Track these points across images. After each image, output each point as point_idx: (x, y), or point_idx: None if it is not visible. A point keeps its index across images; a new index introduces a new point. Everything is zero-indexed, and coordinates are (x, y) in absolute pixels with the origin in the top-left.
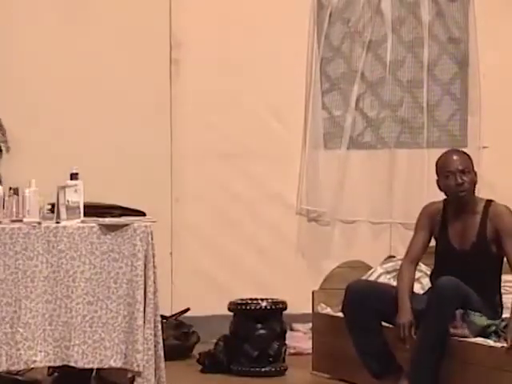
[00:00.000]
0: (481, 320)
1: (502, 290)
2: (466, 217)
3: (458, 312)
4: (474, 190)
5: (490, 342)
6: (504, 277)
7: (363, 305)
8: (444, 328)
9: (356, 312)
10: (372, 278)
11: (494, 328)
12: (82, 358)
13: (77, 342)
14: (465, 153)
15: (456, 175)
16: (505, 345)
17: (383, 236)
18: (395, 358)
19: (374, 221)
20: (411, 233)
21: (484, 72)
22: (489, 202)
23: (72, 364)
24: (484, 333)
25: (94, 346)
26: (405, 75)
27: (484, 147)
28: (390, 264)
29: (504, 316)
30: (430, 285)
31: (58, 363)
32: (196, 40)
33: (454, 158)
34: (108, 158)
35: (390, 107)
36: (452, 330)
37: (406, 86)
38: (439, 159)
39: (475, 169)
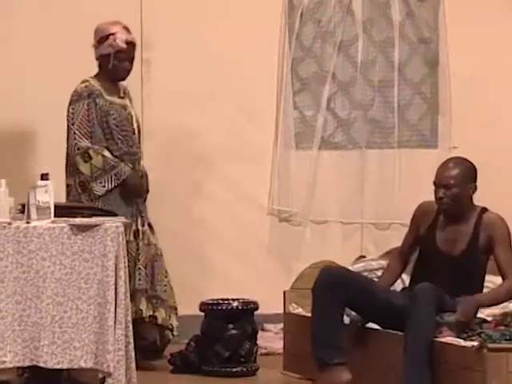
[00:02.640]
0: (451, 317)
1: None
2: (459, 223)
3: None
4: (462, 202)
5: (461, 342)
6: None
7: (332, 290)
8: (429, 338)
9: (323, 296)
10: None
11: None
12: (51, 359)
13: (46, 342)
14: (461, 163)
15: (439, 188)
16: (475, 344)
17: (354, 236)
18: (344, 350)
19: (345, 221)
20: (382, 233)
21: (454, 72)
22: (483, 209)
23: (41, 364)
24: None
25: (63, 346)
26: (376, 75)
27: (454, 147)
28: (361, 264)
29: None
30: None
31: (28, 363)
32: (167, 40)
33: (442, 170)
34: None
35: (361, 107)
36: (440, 338)
37: (377, 86)
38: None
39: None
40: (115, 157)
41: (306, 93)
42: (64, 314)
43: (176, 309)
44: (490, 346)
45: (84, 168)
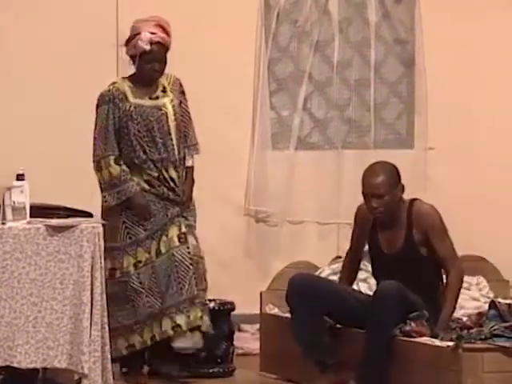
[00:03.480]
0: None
1: None
2: (394, 223)
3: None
4: (394, 206)
5: (436, 342)
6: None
7: (305, 297)
8: (389, 333)
9: (298, 304)
10: None
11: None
12: (25, 358)
13: (20, 342)
14: (384, 168)
15: (369, 198)
16: (450, 344)
17: (331, 236)
18: (336, 351)
19: (321, 221)
20: None
21: (430, 72)
22: (412, 202)
23: (15, 364)
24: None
25: (36, 346)
26: (352, 75)
27: (430, 148)
28: (337, 264)
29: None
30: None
31: (1, 364)
32: None
33: (370, 180)
34: (55, 159)
35: (338, 107)
36: (415, 336)
37: (354, 87)
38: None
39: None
40: (135, 164)
41: (283, 93)
42: (38, 313)
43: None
44: (466, 345)
45: (97, 176)
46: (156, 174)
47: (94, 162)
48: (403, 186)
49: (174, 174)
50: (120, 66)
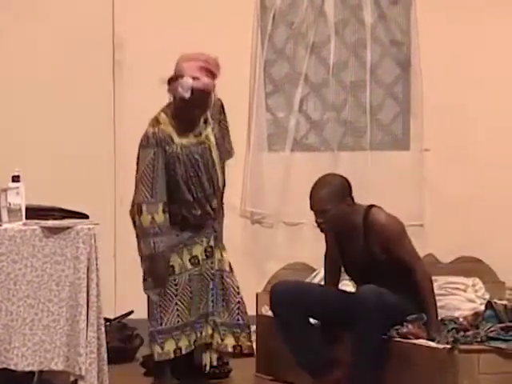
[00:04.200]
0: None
1: (443, 291)
2: (350, 233)
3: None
4: (341, 219)
5: (432, 344)
6: (448, 278)
7: (290, 304)
8: (377, 336)
9: (284, 312)
10: (316, 280)
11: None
12: (21, 361)
13: (17, 344)
14: (329, 183)
15: (314, 213)
16: (447, 346)
17: None
18: (330, 353)
19: None
20: None
21: (425, 74)
22: (368, 210)
23: (12, 367)
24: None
25: (33, 348)
26: (348, 77)
27: (426, 149)
28: None
29: None
30: None
31: None
32: (139, 41)
33: (313, 195)
34: (51, 160)
35: (334, 109)
36: (412, 338)
37: (350, 88)
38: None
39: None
40: (181, 207)
41: (279, 94)
42: (35, 316)
43: None
44: (462, 347)
45: (133, 220)
46: (199, 212)
47: (135, 204)
48: (352, 199)
49: (214, 202)
50: (116, 69)
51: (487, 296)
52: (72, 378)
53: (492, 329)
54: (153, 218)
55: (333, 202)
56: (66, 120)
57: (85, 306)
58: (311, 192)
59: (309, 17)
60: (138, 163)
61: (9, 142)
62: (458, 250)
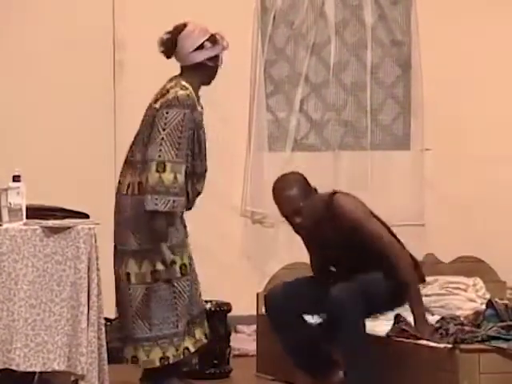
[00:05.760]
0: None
1: (443, 291)
2: (319, 221)
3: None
4: (314, 211)
5: (430, 343)
6: (449, 278)
7: (283, 308)
8: (359, 328)
9: (278, 317)
10: None
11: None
12: (23, 362)
13: (19, 345)
14: (293, 182)
15: (291, 217)
16: (448, 345)
17: None
18: (327, 352)
19: None
20: None
21: (426, 74)
22: (331, 196)
23: (14, 367)
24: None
25: (36, 349)
26: (348, 78)
27: (427, 149)
28: None
29: None
30: None
31: (0, 367)
32: (140, 41)
33: (280, 204)
34: (51, 160)
35: (334, 109)
36: (409, 336)
37: (350, 89)
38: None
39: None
40: (195, 174)
41: (279, 95)
42: (37, 316)
43: None
44: (462, 346)
45: (151, 177)
46: (197, 191)
47: (154, 161)
48: (315, 189)
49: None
50: (116, 69)
51: (488, 296)
52: (73, 378)
53: (493, 328)
54: (175, 177)
55: (303, 198)
56: (67, 120)
57: (86, 306)
58: (277, 200)
59: (309, 17)
60: (160, 122)
61: (9, 142)
62: (458, 249)
